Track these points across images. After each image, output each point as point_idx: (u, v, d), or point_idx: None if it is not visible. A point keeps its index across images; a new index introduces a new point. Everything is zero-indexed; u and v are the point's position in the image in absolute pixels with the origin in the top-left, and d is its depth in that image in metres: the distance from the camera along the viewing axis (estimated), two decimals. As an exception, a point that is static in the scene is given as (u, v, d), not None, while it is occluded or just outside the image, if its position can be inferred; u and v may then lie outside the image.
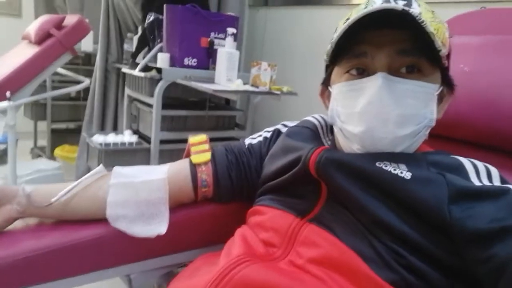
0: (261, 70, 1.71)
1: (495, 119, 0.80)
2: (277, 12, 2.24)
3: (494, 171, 0.62)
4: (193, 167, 0.78)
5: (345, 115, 0.65)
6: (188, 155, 0.81)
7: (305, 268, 0.60)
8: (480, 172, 0.61)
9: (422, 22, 0.55)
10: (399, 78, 0.60)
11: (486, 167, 0.62)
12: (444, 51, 0.60)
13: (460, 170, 0.61)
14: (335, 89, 0.68)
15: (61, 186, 0.73)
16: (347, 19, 0.62)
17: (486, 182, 0.59)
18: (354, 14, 0.61)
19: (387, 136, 0.61)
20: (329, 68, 0.71)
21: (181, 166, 0.79)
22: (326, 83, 0.73)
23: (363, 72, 0.64)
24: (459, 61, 0.85)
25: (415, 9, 0.59)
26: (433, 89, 0.63)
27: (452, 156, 0.65)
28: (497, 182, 0.60)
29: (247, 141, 0.86)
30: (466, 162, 0.62)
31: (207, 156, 0.79)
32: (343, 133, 0.67)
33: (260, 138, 0.85)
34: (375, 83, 0.60)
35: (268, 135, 0.85)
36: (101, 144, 1.68)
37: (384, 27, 0.60)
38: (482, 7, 1.06)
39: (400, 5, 0.58)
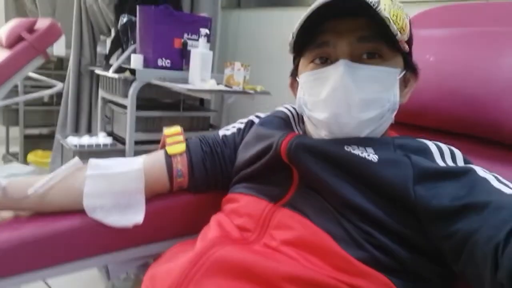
0: (234, 70, 1.73)
1: (458, 106, 0.84)
2: (250, 13, 2.28)
3: (457, 152, 0.65)
4: (169, 157, 0.80)
5: (311, 103, 0.69)
6: (163, 146, 0.83)
7: (279, 249, 0.62)
8: (444, 154, 0.64)
9: (377, 8, 0.59)
10: (360, 64, 0.63)
11: (450, 149, 0.66)
12: (403, 36, 0.63)
13: (426, 152, 0.64)
14: (302, 78, 0.71)
15: (37, 178, 0.74)
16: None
17: (450, 162, 0.63)
18: (313, 4, 0.64)
19: (352, 120, 0.64)
20: (296, 59, 0.74)
21: (156, 157, 0.81)
22: (294, 74, 0.76)
23: (326, 60, 0.67)
24: (425, 52, 0.90)
25: None
26: (394, 73, 0.66)
27: (417, 139, 0.68)
28: (460, 163, 0.64)
29: (221, 132, 0.88)
30: (431, 144, 0.66)
31: (182, 147, 0.81)
32: (311, 120, 0.70)
33: (234, 129, 0.88)
34: (337, 71, 0.63)
35: (242, 126, 0.88)
36: (75, 146, 1.67)
37: (344, 15, 0.64)
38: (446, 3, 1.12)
39: None
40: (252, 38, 2.26)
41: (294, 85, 0.78)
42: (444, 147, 0.66)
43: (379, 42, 0.64)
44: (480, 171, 0.59)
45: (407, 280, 0.59)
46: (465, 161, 0.64)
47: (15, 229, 0.70)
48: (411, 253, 0.59)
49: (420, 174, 0.59)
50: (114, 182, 0.75)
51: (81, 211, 0.73)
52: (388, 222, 0.59)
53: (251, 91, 1.68)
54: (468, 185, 0.56)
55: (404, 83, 0.70)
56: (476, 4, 1.05)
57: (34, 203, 0.73)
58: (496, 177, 0.57)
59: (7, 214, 0.74)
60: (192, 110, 2.03)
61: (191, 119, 1.97)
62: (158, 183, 0.80)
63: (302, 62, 0.72)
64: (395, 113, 0.69)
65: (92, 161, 0.77)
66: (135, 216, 0.76)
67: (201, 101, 2.20)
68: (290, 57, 0.75)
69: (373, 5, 0.59)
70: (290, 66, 0.78)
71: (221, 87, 1.66)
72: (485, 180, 0.57)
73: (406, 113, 0.68)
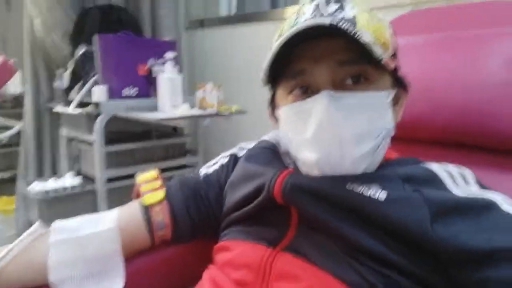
0: (206, 92, 1.65)
1: (449, 115, 0.79)
2: (215, 32, 2.20)
3: (468, 173, 0.59)
4: (146, 209, 0.69)
5: (297, 142, 0.60)
6: (138, 196, 0.72)
7: None
8: (455, 178, 0.57)
9: (355, 34, 0.50)
10: (345, 92, 0.55)
11: (459, 169, 0.59)
12: (387, 52, 0.56)
13: (436, 181, 0.57)
14: (282, 113, 0.62)
15: None
16: (279, 35, 0.58)
17: (463, 185, 0.56)
18: (286, 30, 0.56)
19: (345, 159, 0.56)
20: (272, 89, 0.65)
21: (131, 210, 0.70)
22: (273, 105, 0.67)
23: (307, 90, 0.58)
24: (402, 63, 0.84)
25: (347, 13, 0.55)
26: (385, 96, 0.58)
27: (423, 165, 0.61)
28: (473, 185, 0.57)
29: (203, 171, 0.78)
30: (439, 170, 0.58)
31: (161, 194, 0.71)
32: (299, 160, 0.62)
33: (216, 166, 0.78)
34: (320, 103, 0.54)
35: (225, 161, 0.78)
36: (39, 193, 1.52)
37: (320, 38, 0.55)
38: (411, 9, 1.07)
39: (331, 10, 0.55)
40: (221, 57, 2.18)
41: (273, 116, 0.68)
42: (453, 170, 0.59)
43: (362, 64, 0.56)
44: (503, 204, 0.52)
45: None
46: (478, 183, 0.57)
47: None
48: None
49: (436, 210, 0.51)
50: (85, 247, 0.64)
51: (46, 286, 0.62)
52: (405, 265, 0.51)
53: (226, 113, 1.59)
54: (493, 223, 0.50)
55: (394, 100, 0.62)
56: (454, 6, 1.00)
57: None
58: None
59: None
60: (165, 137, 1.92)
61: (166, 147, 1.86)
62: (137, 239, 0.69)
63: (280, 92, 0.63)
64: (390, 137, 0.61)
65: (56, 224, 0.66)
66: (114, 284, 0.65)
67: (174, 127, 2.09)
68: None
69: (350, 31, 0.50)
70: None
71: (194, 112, 1.57)
72: (510, 217, 0.50)
73: (398, 127, 0.62)
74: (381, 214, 0.53)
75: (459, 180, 0.57)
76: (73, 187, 1.58)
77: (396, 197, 0.53)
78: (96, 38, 1.65)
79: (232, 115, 1.62)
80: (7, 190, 2.61)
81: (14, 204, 2.25)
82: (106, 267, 0.65)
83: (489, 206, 0.51)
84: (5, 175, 2.82)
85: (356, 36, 0.50)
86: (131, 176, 1.71)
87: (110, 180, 1.65)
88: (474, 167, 0.61)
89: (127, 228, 0.68)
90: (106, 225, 0.67)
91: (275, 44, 0.55)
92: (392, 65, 0.58)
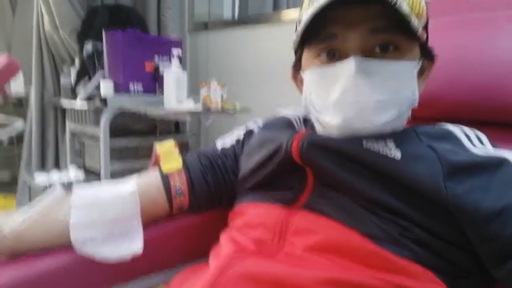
0: (210, 90, 1.67)
1: (466, 92, 0.82)
2: (219, 34, 2.24)
3: (482, 135, 0.60)
4: (165, 176, 0.71)
5: (319, 106, 0.61)
6: (156, 164, 0.74)
7: (303, 257, 0.55)
8: (470, 137, 0.59)
9: (395, 4, 0.51)
10: (374, 60, 0.56)
11: (473, 131, 0.60)
12: (420, 22, 0.56)
13: (451, 138, 0.58)
14: (307, 76, 0.63)
15: (9, 215, 0.63)
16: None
17: (478, 145, 0.57)
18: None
19: (367, 125, 0.57)
20: (299, 50, 0.66)
21: (151, 177, 0.72)
22: (297, 66, 0.68)
23: (335, 55, 0.59)
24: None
25: None
26: (412, 67, 0.58)
27: (437, 126, 0.62)
28: (489, 146, 0.58)
29: (219, 144, 0.80)
30: (454, 128, 0.60)
31: (179, 162, 0.73)
32: (320, 123, 0.63)
33: (233, 141, 0.80)
34: (348, 69, 0.55)
35: (241, 136, 0.79)
36: (46, 186, 1.53)
37: (354, 3, 0.55)
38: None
39: None
40: (223, 58, 2.22)
41: (296, 77, 0.70)
42: (467, 129, 0.60)
43: (395, 33, 0.56)
44: None
45: (455, 276, 0.52)
46: (491, 144, 0.59)
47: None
48: (453, 248, 0.52)
49: (450, 169, 0.53)
50: (105, 209, 0.66)
51: (66, 247, 0.63)
52: (421, 218, 0.53)
53: (231, 111, 1.62)
54: (504, 180, 0.51)
55: (420, 72, 0.62)
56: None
57: (11, 244, 0.61)
58: None
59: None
60: (168, 134, 1.93)
61: (169, 145, 1.87)
62: (156, 205, 0.71)
63: (307, 55, 0.64)
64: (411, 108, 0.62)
65: (77, 189, 0.67)
66: (133, 245, 0.66)
67: (176, 125, 2.11)
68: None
69: (392, 0, 0.51)
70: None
71: (200, 108, 1.59)
72: None
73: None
74: (396, 171, 0.54)
75: (473, 138, 0.58)
76: (77, 180, 1.59)
77: (411, 154, 0.55)
78: (105, 35, 1.68)
79: (236, 113, 1.64)
80: (5, 191, 2.59)
81: (13, 205, 2.23)
82: (125, 230, 0.66)
83: (502, 164, 0.52)
84: (5, 174, 2.80)
85: (395, 5, 0.51)
86: (135, 170, 1.73)
87: (113, 174, 1.66)
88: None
89: (146, 193, 0.69)
90: (126, 189, 0.68)
91: (311, 7, 0.55)
92: (424, 37, 0.58)
